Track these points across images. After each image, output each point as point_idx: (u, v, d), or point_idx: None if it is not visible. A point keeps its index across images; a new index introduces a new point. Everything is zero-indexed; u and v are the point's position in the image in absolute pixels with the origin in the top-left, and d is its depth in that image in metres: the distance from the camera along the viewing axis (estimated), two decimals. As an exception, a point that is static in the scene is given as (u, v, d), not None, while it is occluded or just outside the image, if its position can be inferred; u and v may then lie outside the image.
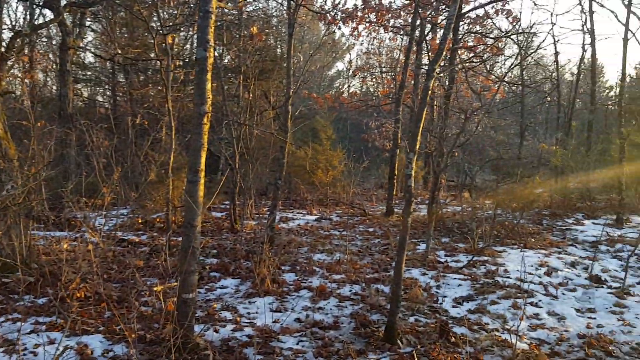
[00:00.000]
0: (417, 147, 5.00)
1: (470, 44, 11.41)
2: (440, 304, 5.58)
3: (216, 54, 9.53)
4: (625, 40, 10.42)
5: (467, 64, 10.00)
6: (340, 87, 31.12)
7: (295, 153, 13.69)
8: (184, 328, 3.97)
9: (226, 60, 13.19)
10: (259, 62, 11.42)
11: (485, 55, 10.53)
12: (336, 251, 7.68)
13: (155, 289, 4.96)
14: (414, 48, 10.25)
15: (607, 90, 27.19)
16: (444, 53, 4.93)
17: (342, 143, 18.43)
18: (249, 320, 4.88)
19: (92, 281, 5.17)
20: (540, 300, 5.76)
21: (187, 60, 13.62)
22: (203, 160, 4.58)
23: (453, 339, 4.46)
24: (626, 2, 10.89)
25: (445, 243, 8.37)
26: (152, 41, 7.55)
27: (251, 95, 9.43)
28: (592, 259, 7.41)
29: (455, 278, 6.46)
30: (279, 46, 16.12)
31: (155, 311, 4.87)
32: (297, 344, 4.37)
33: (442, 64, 11.33)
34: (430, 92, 4.87)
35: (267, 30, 11.47)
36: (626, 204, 10.06)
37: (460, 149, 9.17)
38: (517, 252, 7.76)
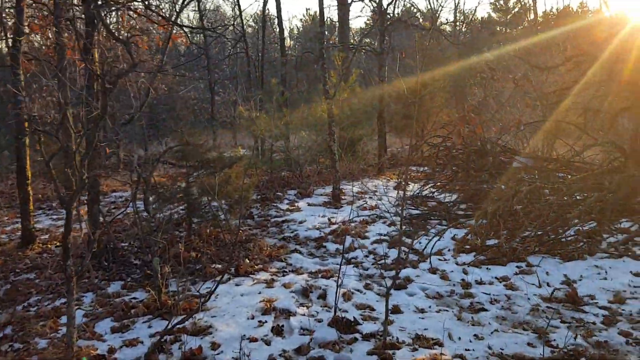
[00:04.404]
0: None
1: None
2: None
3: None
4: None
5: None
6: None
7: None
8: None
9: None
10: None
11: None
12: None
13: None
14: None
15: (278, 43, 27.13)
16: None
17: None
18: None
19: None
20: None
21: None
22: None
23: None
24: None
25: (116, 295, 5.04)
26: None
27: None
28: (325, 274, 5.33)
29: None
30: None
31: None
32: None
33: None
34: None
35: None
36: (339, 174, 8.54)
37: (123, 130, 5.83)
38: (228, 288, 5.06)
